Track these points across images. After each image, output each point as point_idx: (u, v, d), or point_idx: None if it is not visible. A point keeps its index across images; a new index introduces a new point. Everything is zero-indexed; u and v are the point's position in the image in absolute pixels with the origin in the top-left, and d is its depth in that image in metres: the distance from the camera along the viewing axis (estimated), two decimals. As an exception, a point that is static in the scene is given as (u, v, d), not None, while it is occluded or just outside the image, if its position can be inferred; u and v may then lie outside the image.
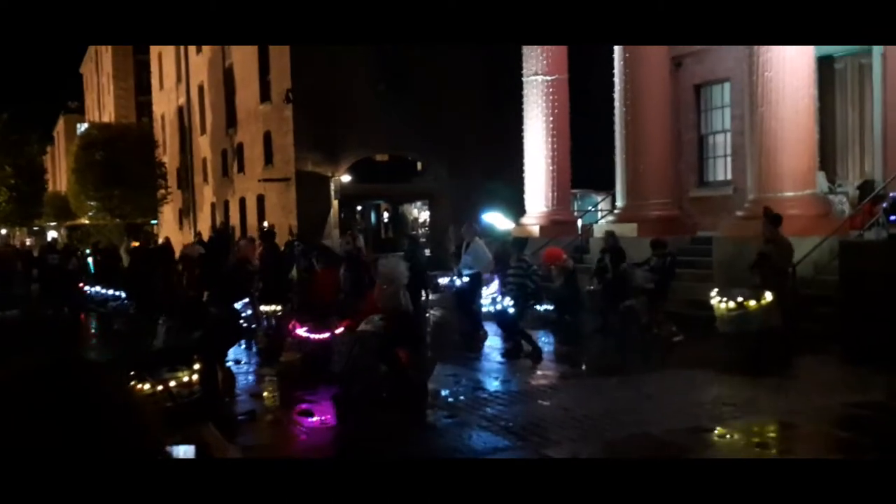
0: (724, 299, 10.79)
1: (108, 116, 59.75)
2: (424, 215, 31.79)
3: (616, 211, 17.83)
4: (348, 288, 11.35)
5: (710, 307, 11.13)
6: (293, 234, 22.76)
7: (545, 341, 12.93)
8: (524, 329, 12.11)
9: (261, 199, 31.42)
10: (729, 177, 18.77)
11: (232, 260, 10.84)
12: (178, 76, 42.12)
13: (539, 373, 10.89)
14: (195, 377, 8.47)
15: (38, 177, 44.16)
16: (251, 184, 32.03)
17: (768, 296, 10.50)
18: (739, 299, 10.62)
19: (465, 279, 13.41)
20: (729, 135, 18.75)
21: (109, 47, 59.44)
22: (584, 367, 11.56)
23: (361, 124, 27.15)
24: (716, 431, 7.69)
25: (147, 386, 7.99)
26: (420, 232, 30.11)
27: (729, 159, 18.86)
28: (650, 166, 16.76)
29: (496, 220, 18.97)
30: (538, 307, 13.56)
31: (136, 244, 19.33)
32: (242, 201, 33.52)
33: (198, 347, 8.82)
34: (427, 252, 20.62)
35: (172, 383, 8.25)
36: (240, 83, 33.32)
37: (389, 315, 9.80)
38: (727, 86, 18.64)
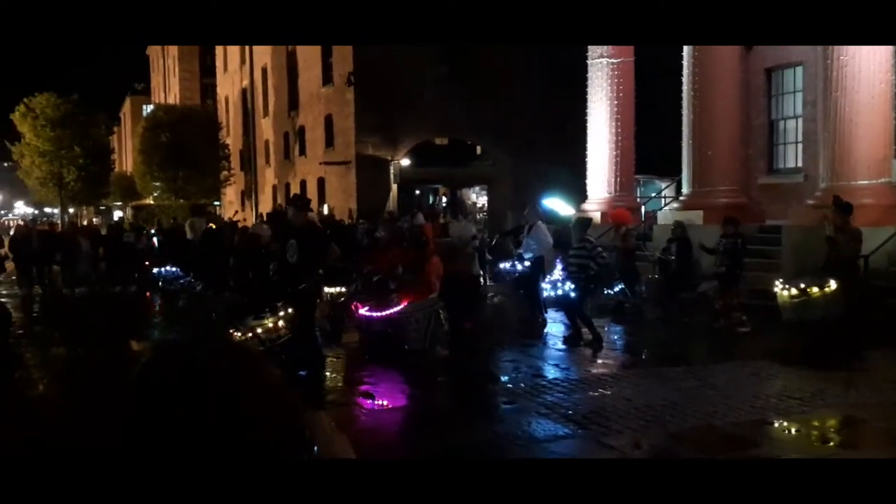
0: (787, 286, 10.58)
1: (174, 98, 60.81)
2: (483, 200, 31.68)
3: (681, 198, 17.50)
4: (408, 264, 11.32)
5: (775, 288, 10.92)
6: (352, 216, 22.87)
7: (608, 330, 12.74)
8: (587, 315, 11.86)
9: (321, 182, 31.65)
10: (800, 164, 18.25)
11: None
12: (241, 59, 42.63)
13: (600, 361, 10.73)
14: (280, 322, 8.81)
15: (105, 157, 45.17)
16: (312, 166, 32.30)
17: (832, 284, 10.23)
18: (802, 286, 10.38)
19: (527, 263, 13.25)
20: (800, 120, 18.22)
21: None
22: (646, 356, 11.35)
23: (421, 108, 27.11)
24: (782, 424, 7.47)
25: (238, 333, 8.47)
26: (478, 217, 30.02)
27: (800, 146, 18.33)
28: (718, 152, 16.39)
29: (556, 205, 18.75)
30: (606, 290, 13.33)
31: (213, 226, 19.60)
32: (303, 184, 33.84)
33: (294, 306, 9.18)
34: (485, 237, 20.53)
35: (260, 330, 8.66)
36: (302, 66, 33.56)
37: (460, 278, 9.93)
38: (800, 70, 18.10)
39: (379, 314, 11.00)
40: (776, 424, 7.49)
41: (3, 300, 12.71)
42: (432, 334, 10.09)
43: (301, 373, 9.41)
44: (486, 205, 30.98)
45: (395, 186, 28.27)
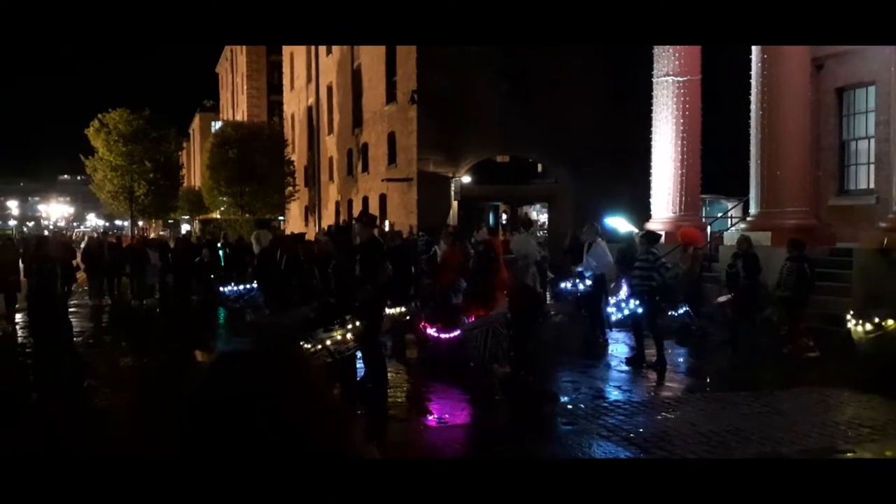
0: (861, 321, 10.28)
1: (241, 115, 62.05)
2: (543, 217, 31.53)
3: (749, 218, 17.16)
4: (472, 279, 11.29)
5: (848, 322, 10.62)
6: (413, 232, 22.97)
7: (672, 352, 12.50)
8: (661, 335, 11.50)
9: (383, 199, 31.92)
10: (872, 185, 17.77)
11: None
12: (308, 77, 43.33)
13: (664, 384, 10.55)
14: (349, 335, 9.12)
15: (174, 172, 46.21)
16: (374, 183, 32.60)
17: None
18: (876, 320, 10.08)
19: (588, 282, 13.11)
20: (872, 141, 17.76)
21: (244, 49, 61.84)
22: (711, 380, 11.10)
23: (483, 125, 27.18)
24: (852, 454, 7.23)
25: (308, 345, 8.67)
26: (539, 234, 29.86)
27: (872, 167, 17.86)
28: (787, 172, 16.03)
29: (619, 224, 18.54)
30: (672, 313, 13.09)
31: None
32: (365, 200, 34.16)
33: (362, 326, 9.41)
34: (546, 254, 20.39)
35: (329, 342, 8.94)
36: (367, 84, 33.97)
37: (517, 291, 9.90)
38: (872, 90, 17.66)
39: (447, 335, 10.98)
40: (846, 453, 7.25)
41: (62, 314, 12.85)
42: (491, 351, 10.04)
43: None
44: (547, 223, 30.82)
45: (455, 203, 28.33)
